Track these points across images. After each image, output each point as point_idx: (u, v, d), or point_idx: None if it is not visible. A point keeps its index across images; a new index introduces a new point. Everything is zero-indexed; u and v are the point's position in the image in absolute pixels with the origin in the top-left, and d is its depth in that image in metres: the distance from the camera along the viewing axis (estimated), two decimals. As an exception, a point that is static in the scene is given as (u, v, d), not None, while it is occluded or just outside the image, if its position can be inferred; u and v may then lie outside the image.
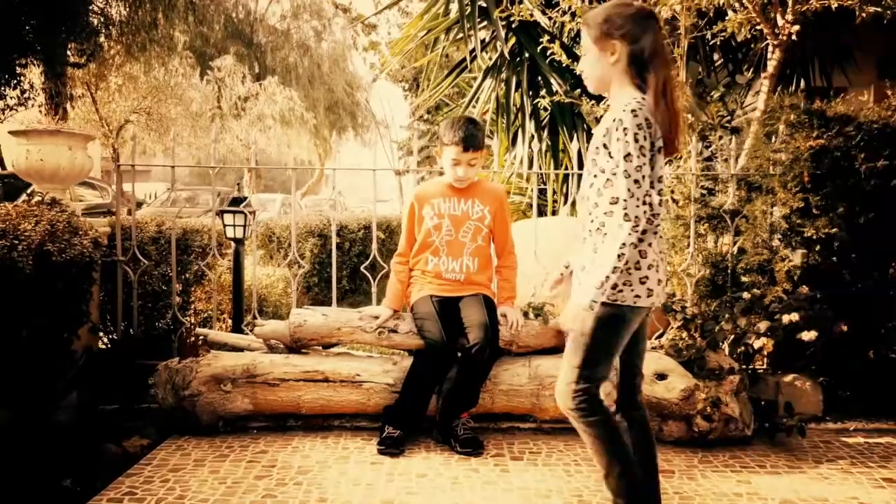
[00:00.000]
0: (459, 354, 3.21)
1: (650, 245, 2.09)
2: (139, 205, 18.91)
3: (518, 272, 3.51)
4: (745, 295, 3.46)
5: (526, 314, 3.49)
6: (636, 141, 2.00)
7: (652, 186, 2.05)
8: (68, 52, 16.62)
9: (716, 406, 3.20)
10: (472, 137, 3.29)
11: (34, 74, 16.64)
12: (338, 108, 29.69)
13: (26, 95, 15.85)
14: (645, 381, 3.27)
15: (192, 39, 26.00)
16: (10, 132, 3.69)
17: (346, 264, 8.05)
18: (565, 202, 5.42)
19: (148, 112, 22.55)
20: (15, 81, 13.75)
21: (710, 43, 4.49)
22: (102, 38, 18.88)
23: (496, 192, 3.47)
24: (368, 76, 27.51)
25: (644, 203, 2.01)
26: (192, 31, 25.65)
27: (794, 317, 3.27)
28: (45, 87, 17.55)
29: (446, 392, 3.25)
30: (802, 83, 6.42)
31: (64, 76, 17.66)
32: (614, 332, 2.13)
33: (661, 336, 3.84)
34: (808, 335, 3.25)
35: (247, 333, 4.02)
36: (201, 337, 3.81)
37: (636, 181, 2.00)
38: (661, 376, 3.30)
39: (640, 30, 2.08)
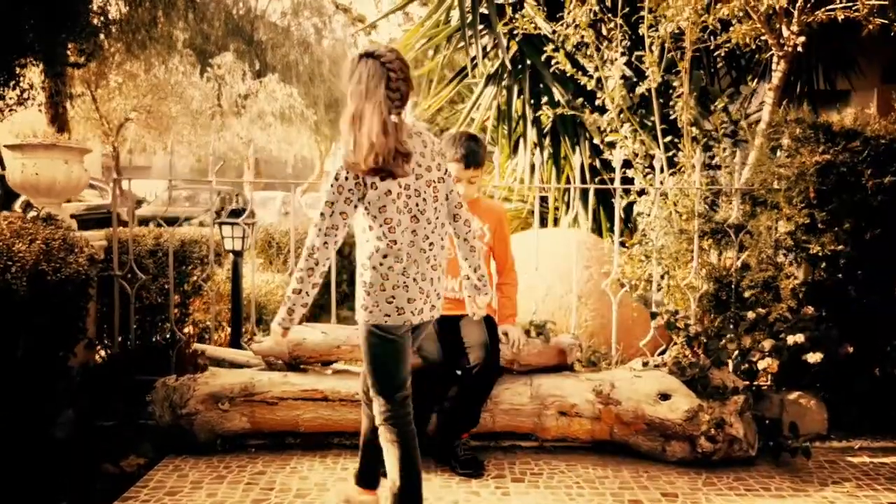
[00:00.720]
0: (459, 373, 3.17)
1: (391, 268, 2.31)
2: (139, 203, 18.84)
3: (519, 288, 3.47)
4: (750, 314, 3.41)
5: (528, 332, 3.44)
6: (330, 179, 2.30)
7: (374, 218, 2.29)
8: (68, 52, 16.55)
9: (720, 427, 3.16)
10: (473, 154, 3.25)
11: (34, 74, 16.58)
12: (338, 106, 29.62)
13: (25, 95, 15.80)
14: (648, 400, 3.24)
15: (192, 37, 25.92)
16: (5, 146, 3.65)
17: (346, 268, 8.00)
18: (567, 211, 5.38)
19: (148, 110, 22.49)
20: (14, 82, 13.69)
21: (715, 54, 4.43)
22: (102, 37, 18.82)
23: (496, 210, 3.42)
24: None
25: (322, 234, 2.30)
26: (191, 28, 25.58)
27: (800, 338, 3.23)
28: (45, 86, 17.48)
29: (446, 412, 3.21)
30: (805, 88, 6.37)
31: (64, 76, 17.59)
32: (380, 349, 2.36)
33: (663, 353, 3.80)
34: (813, 357, 3.21)
35: (245, 348, 3.98)
36: (200, 351, 3.78)
37: (321, 214, 2.30)
38: (665, 396, 3.26)
39: (349, 72, 2.29)
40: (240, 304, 4.34)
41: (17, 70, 14.94)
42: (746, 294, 3.72)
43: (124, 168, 25.33)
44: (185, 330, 4.79)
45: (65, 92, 17.84)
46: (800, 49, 4.12)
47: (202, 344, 4.38)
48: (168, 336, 4.07)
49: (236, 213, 4.26)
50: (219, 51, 26.93)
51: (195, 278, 4.40)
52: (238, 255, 4.30)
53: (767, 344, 3.41)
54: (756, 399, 3.51)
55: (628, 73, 4.83)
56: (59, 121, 18.27)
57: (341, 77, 2.35)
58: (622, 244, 4.09)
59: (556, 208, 5.67)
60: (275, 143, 27.07)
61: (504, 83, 5.43)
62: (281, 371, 3.49)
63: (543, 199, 5.79)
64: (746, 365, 3.57)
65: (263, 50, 29.59)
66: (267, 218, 13.12)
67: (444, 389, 3.20)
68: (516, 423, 3.35)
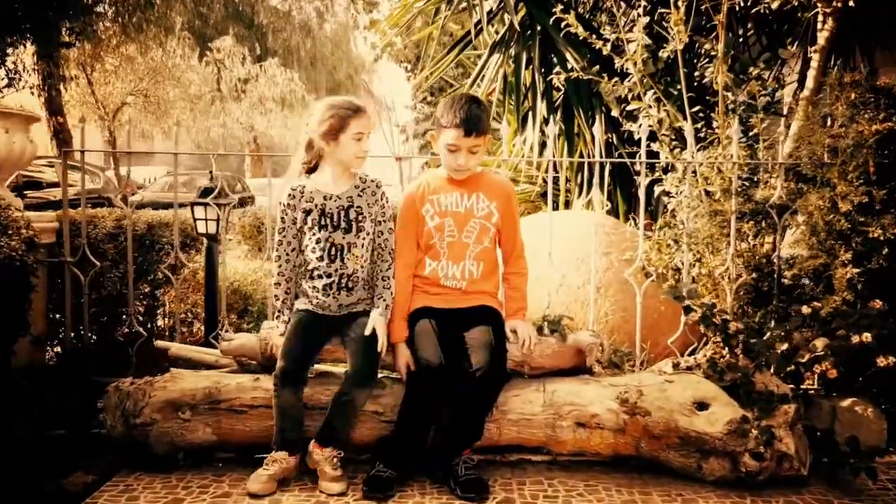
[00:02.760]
0: (461, 378, 2.69)
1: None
2: (138, 188, 18.45)
3: (529, 278, 2.98)
4: (805, 309, 2.91)
5: (539, 329, 2.95)
6: None
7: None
8: (62, 32, 16.08)
9: (769, 443, 2.67)
10: (474, 119, 2.74)
11: (27, 55, 16.15)
12: (340, 91, 29.11)
13: (15, 76, 15.32)
14: (682, 410, 2.76)
15: (191, 20, 25.44)
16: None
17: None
18: (580, 193, 4.87)
19: (145, 94, 22.01)
20: (0, 61, 13.21)
21: (753, 10, 3.91)
22: (97, 18, 18.40)
23: (504, 186, 2.93)
24: (371, 57, 26.93)
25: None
26: (190, 10, 25.09)
27: (867, 337, 2.73)
28: (38, 68, 17.04)
29: (446, 424, 2.72)
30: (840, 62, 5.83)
31: (56, 57, 17.12)
32: None
33: (693, 352, 3.30)
34: (884, 360, 2.71)
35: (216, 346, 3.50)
36: (164, 349, 3.31)
37: None
38: (702, 405, 2.76)
39: None
40: (215, 295, 3.86)
41: (8, 50, 14.47)
42: (787, 283, 3.24)
43: (123, 154, 24.86)
44: (160, 323, 4.35)
45: (57, 74, 17.39)
46: (851, 3, 3.60)
47: (168, 340, 3.94)
48: (132, 331, 3.60)
49: (207, 193, 3.77)
50: (218, 34, 26.43)
51: (166, 265, 3.93)
52: (212, 239, 3.82)
53: (820, 343, 2.92)
54: (804, 407, 3.01)
55: (647, 41, 4.34)
56: (53, 104, 17.81)
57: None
58: (645, 227, 3.59)
59: (568, 190, 5.17)
60: (276, 128, 26.58)
61: (511, 50, 4.90)
62: (253, 374, 3.01)
63: (554, 181, 5.28)
64: (792, 367, 3.08)
65: (264, 34, 29.07)
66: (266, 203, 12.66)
67: (443, 397, 2.71)
68: (526, 436, 2.86)
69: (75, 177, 14.42)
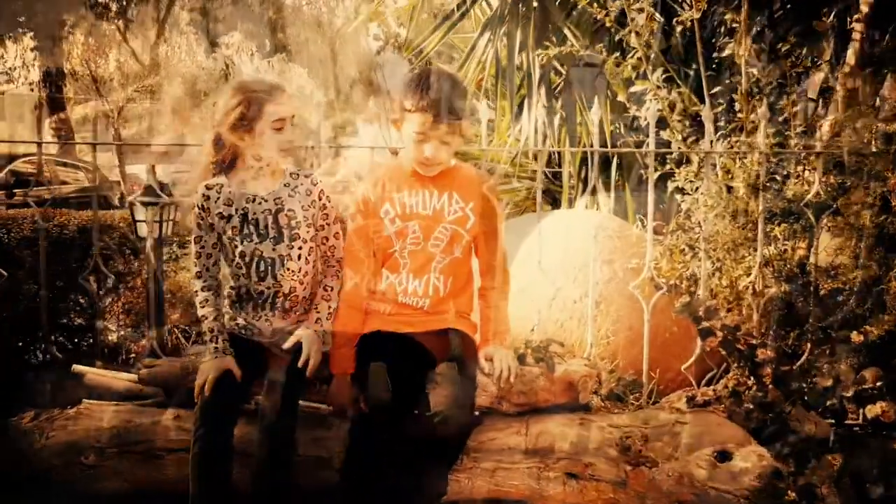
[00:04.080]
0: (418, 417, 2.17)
1: None
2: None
3: (516, 290, 2.46)
4: (856, 337, 2.36)
5: (522, 357, 2.42)
6: None
7: None
8: (63, 26, 15.83)
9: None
10: (447, 101, 2.19)
11: (26, 49, 15.92)
12: (351, 86, 28.78)
13: (13, 71, 15.05)
14: (698, 460, 2.22)
15: (198, 15, 25.20)
16: None
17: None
18: (584, 190, 4.32)
19: (151, 90, 21.75)
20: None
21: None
22: (99, 12, 18.19)
23: (482, 183, 2.39)
24: (382, 52, 26.58)
25: None
26: (196, 5, 24.84)
27: (937, 373, 2.19)
28: (38, 63, 16.82)
29: (402, 478, 2.19)
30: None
31: (57, 52, 16.88)
32: None
33: (710, 381, 2.76)
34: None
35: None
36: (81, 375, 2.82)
37: None
38: (723, 454, 2.22)
39: None
40: (160, 307, 3.37)
41: (7, 44, 14.19)
42: (825, 296, 2.69)
43: (133, 153, 24.62)
44: (113, 338, 3.90)
45: (57, 70, 17.17)
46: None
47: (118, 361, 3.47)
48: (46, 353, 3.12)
49: (151, 191, 3.27)
50: (227, 30, 26.17)
51: (105, 275, 3.46)
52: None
53: (870, 374, 2.37)
54: (848, 446, 2.47)
55: (658, 18, 3.81)
56: (54, 100, 17.53)
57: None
58: (655, 231, 3.05)
59: (572, 187, 4.62)
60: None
61: (504, 29, 4.36)
62: (177, 408, 2.50)
63: (556, 176, 4.75)
64: (834, 401, 2.53)
65: (273, 29, 28.81)
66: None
67: (397, 443, 2.19)
68: (505, 489, 2.33)
69: (76, 175, 14.06)
